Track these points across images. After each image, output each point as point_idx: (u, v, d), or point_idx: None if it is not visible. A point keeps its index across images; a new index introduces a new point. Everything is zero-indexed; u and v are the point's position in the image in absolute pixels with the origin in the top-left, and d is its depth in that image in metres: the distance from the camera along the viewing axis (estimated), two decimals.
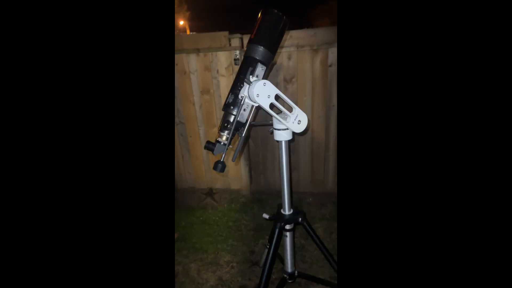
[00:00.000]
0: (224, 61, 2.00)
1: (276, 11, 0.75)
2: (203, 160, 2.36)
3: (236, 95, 0.77)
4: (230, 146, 0.80)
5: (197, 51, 2.02)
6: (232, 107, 0.78)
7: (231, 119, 0.78)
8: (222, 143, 0.79)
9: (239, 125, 0.78)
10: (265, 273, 0.91)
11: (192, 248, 1.80)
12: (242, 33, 1.96)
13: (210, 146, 0.80)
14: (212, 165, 2.21)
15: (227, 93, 0.75)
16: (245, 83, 0.74)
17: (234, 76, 2.02)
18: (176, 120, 2.27)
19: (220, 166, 0.77)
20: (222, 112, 0.82)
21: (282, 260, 1.15)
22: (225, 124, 0.78)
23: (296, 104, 0.78)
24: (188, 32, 17.17)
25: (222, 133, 0.79)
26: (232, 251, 1.77)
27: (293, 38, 1.91)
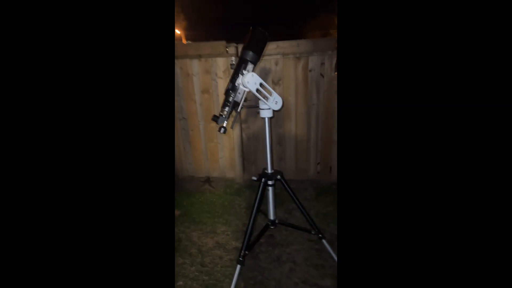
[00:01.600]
0: (222, 65, 2.38)
1: (260, 28, 1.14)
2: (202, 151, 2.70)
3: (234, 83, 1.15)
4: (228, 118, 1.17)
5: (199, 57, 2.40)
6: (231, 91, 1.15)
7: (230, 99, 1.15)
8: (224, 116, 1.16)
9: (236, 104, 1.16)
10: (253, 214, 1.25)
11: (193, 222, 2.12)
12: (237, 43, 2.36)
13: (215, 118, 1.17)
14: (209, 156, 2.60)
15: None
16: (240, 75, 1.12)
17: (232, 73, 2.40)
18: (179, 116, 2.62)
19: (223, 130, 1.14)
20: (223, 97, 1.19)
21: (266, 215, 1.49)
22: (226, 103, 1.15)
23: (283, 102, 1.13)
24: (184, 40, 17.68)
25: (224, 109, 1.16)
26: (227, 223, 2.09)
27: (279, 47, 2.31)
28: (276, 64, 2.36)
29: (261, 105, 1.20)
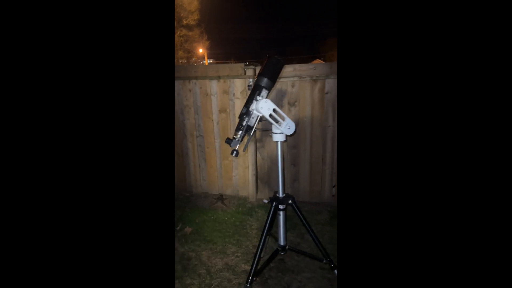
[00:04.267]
0: (240, 86, 2.45)
1: (276, 56, 1.18)
2: (216, 169, 2.74)
3: (248, 108, 1.18)
4: (241, 141, 1.19)
5: (218, 77, 2.49)
6: (244, 116, 1.18)
7: (244, 123, 1.18)
8: (236, 139, 1.18)
9: (249, 128, 1.18)
10: (262, 239, 1.23)
11: (204, 240, 2.11)
12: (256, 65, 2.43)
13: (228, 141, 1.20)
14: (224, 173, 2.63)
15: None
16: (254, 100, 1.16)
17: (247, 98, 2.46)
18: (196, 133, 2.69)
19: (235, 153, 1.16)
20: (237, 120, 1.22)
21: (276, 239, 1.46)
22: (239, 127, 1.18)
23: (297, 123, 1.15)
24: (206, 58, 18.52)
25: (237, 133, 1.19)
26: (238, 244, 2.06)
27: (296, 70, 2.35)
28: (293, 86, 2.39)
29: (274, 129, 1.22)
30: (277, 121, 1.18)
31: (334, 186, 2.53)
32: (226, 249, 2.00)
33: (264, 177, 2.67)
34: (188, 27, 15.35)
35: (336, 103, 2.33)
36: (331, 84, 2.32)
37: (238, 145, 1.19)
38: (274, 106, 1.15)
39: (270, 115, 1.15)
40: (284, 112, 2.37)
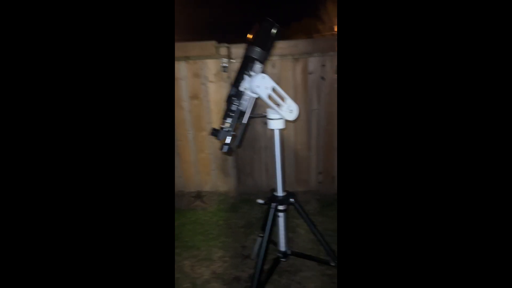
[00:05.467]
0: (213, 68, 2.13)
1: (270, 19, 0.91)
2: (192, 163, 2.43)
3: (238, 88, 0.91)
4: (233, 132, 0.92)
5: (187, 58, 2.14)
6: (234, 98, 0.91)
7: (234, 108, 0.90)
8: (226, 130, 0.91)
9: (241, 114, 0.91)
10: (263, 249, 1.01)
11: (184, 246, 1.84)
12: (229, 43, 2.12)
13: (215, 132, 0.92)
14: (200, 168, 2.28)
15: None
16: (245, 77, 0.89)
17: (222, 82, 2.16)
18: None
19: (226, 148, 0.89)
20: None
21: (275, 244, 1.25)
22: (229, 113, 0.91)
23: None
24: None
25: (226, 121, 0.91)
26: (224, 247, 1.83)
27: (276, 48, 2.09)
28: (273, 66, 2.14)
29: (271, 115, 0.97)
30: (277, 104, 0.93)
31: (320, 173, 2.40)
32: (211, 255, 1.76)
33: (245, 168, 2.44)
34: None
35: (320, 84, 2.15)
36: (314, 63, 2.12)
37: (229, 138, 0.92)
38: (274, 84, 0.90)
39: (269, 96, 0.89)
40: None
